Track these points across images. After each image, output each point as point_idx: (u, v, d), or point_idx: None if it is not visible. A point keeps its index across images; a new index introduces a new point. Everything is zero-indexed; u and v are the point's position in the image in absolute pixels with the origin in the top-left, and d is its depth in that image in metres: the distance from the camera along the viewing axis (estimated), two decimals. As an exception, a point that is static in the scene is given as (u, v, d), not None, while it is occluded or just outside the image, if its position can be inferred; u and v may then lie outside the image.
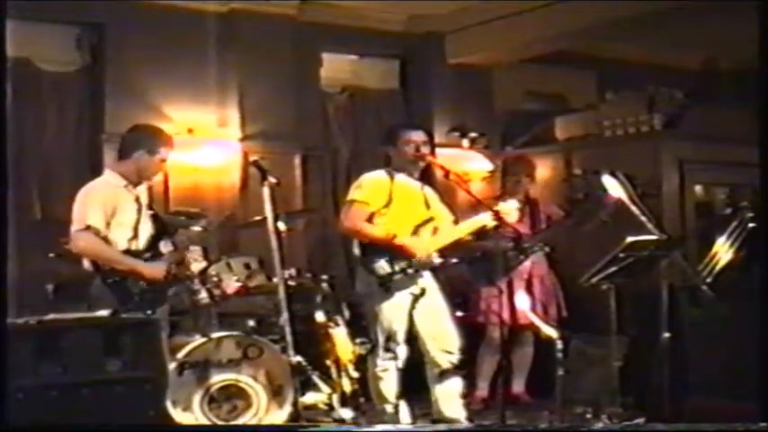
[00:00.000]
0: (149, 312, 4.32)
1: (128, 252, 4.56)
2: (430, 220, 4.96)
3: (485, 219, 4.80)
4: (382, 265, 4.75)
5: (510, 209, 4.89)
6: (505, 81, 8.07)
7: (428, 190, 5.09)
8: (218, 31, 6.94)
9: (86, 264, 4.58)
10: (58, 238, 5.10)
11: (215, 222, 5.33)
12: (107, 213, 4.51)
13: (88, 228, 4.46)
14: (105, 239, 4.51)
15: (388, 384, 4.81)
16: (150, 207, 4.77)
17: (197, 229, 4.88)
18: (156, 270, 4.57)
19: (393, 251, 4.77)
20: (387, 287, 4.74)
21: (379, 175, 4.98)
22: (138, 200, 4.68)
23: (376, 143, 6.05)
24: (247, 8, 6.92)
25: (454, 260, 5.19)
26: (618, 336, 5.03)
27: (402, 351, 4.78)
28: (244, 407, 5.03)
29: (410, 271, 4.78)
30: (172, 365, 4.72)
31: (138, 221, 4.64)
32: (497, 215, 4.74)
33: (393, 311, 4.77)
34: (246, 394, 5.03)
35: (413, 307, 4.80)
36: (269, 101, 6.93)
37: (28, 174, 6.24)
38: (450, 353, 4.89)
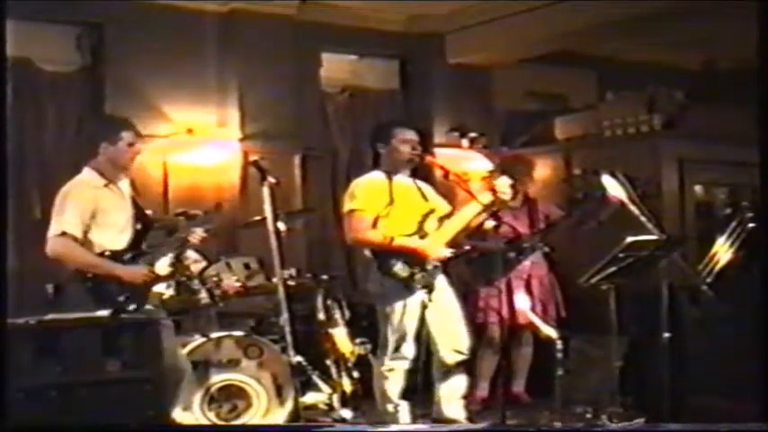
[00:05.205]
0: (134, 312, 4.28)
1: (113, 253, 4.44)
2: (431, 212, 4.93)
3: (483, 198, 4.76)
4: (401, 268, 4.69)
5: (505, 185, 4.83)
6: (505, 81, 8.07)
7: (421, 183, 5.05)
8: (218, 31, 6.94)
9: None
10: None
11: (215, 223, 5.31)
12: (85, 216, 4.39)
13: (63, 234, 4.35)
14: (85, 242, 4.39)
15: (394, 384, 4.79)
16: (135, 203, 4.65)
17: (201, 230, 4.83)
18: (134, 272, 4.43)
19: (404, 252, 4.73)
20: (409, 287, 4.71)
21: (374, 178, 4.92)
22: (122, 197, 4.57)
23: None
24: (247, 8, 6.92)
25: (466, 247, 5.18)
26: (618, 336, 5.03)
27: (411, 351, 4.77)
28: (244, 407, 5.04)
29: (429, 268, 4.73)
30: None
31: (124, 220, 4.54)
32: (493, 192, 4.72)
33: (407, 311, 4.71)
34: (247, 394, 5.04)
35: (425, 306, 4.77)
36: (269, 101, 6.92)
37: (28, 174, 6.23)
38: (460, 353, 4.85)
